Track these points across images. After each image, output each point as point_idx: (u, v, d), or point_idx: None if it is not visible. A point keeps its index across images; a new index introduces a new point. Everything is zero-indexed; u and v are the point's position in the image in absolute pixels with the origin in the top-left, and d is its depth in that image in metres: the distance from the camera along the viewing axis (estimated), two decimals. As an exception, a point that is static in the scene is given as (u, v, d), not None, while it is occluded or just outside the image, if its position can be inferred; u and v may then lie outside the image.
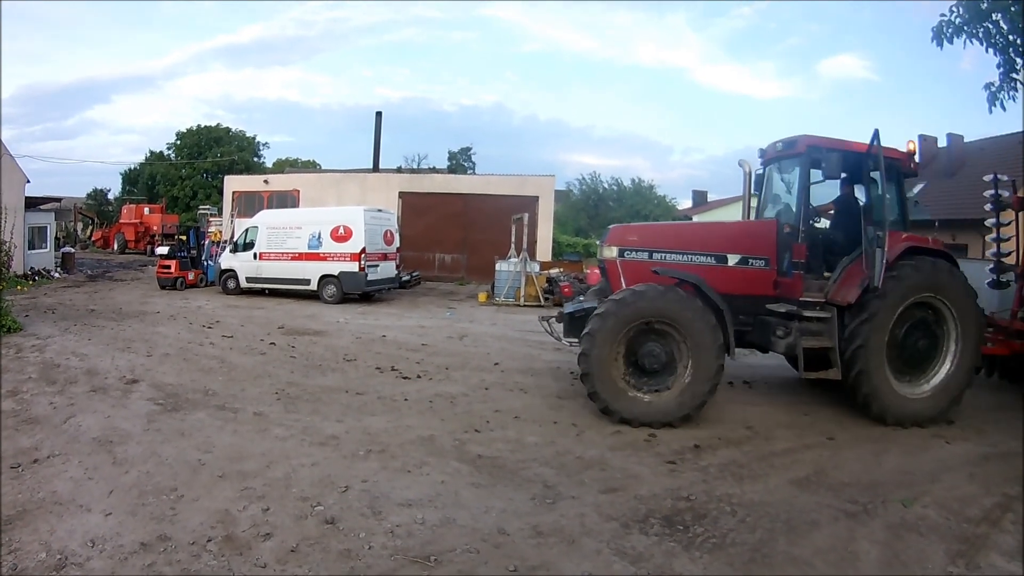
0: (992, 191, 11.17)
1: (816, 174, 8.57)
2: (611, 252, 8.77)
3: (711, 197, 54.36)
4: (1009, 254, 11.03)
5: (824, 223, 9.42)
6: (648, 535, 5.01)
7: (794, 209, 8.78)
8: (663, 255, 8.66)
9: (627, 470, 6.34)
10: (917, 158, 9.21)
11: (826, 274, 8.58)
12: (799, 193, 8.62)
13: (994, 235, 11.26)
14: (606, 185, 53.97)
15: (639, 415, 7.78)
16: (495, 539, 4.84)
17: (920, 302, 8.29)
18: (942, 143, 31.86)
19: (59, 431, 6.83)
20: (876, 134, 8.03)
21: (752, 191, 9.73)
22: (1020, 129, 15.23)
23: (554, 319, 9.33)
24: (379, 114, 34.40)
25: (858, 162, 8.46)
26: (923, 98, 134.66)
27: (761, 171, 9.77)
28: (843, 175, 8.71)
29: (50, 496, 5.27)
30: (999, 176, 11.20)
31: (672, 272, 8.32)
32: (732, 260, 8.70)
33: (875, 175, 8.40)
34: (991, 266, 11.25)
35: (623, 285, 8.38)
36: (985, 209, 11.38)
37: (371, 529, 4.89)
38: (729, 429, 7.71)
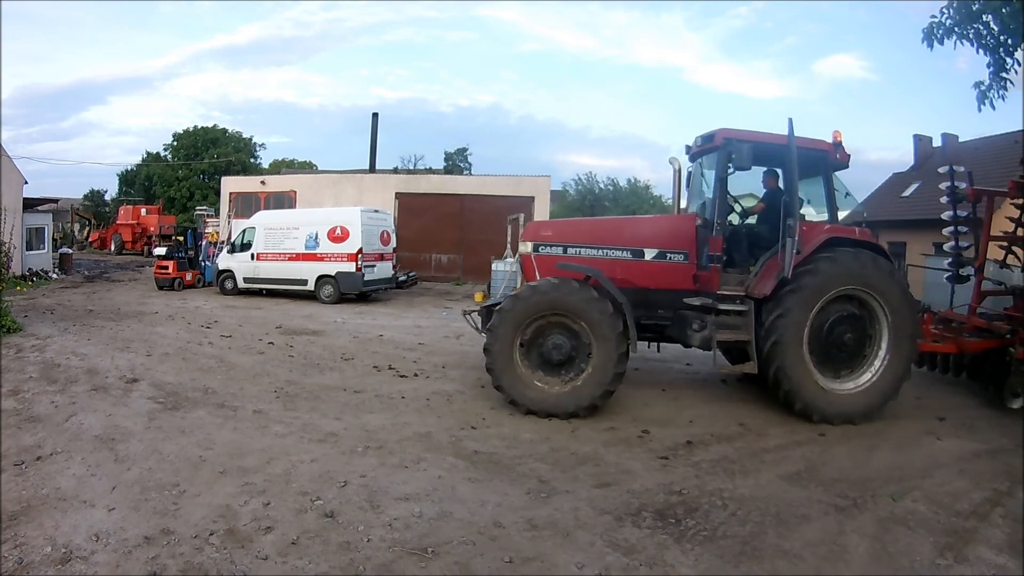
0: (948, 183, 11.11)
1: (750, 168, 8.51)
2: (526, 248, 9.00)
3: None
4: (968, 247, 10.95)
5: (754, 219, 9.35)
6: (641, 528, 5.11)
7: (700, 202, 8.89)
8: (577, 250, 8.77)
9: (620, 465, 6.45)
10: (847, 149, 8.89)
11: (752, 268, 8.55)
12: (714, 186, 8.58)
13: (951, 228, 11.18)
14: (602, 185, 53.99)
15: (546, 406, 7.94)
16: (491, 532, 4.94)
17: (847, 295, 8.19)
18: (937, 143, 32.00)
19: (61, 429, 6.91)
20: (790, 124, 7.95)
21: (683, 187, 9.73)
22: (1015, 129, 15.35)
23: (476, 312, 9.49)
24: (375, 115, 34.61)
25: (778, 154, 8.37)
26: (920, 98, 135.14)
27: (691, 167, 9.74)
28: (771, 168, 8.87)
29: (54, 492, 5.34)
30: (955, 167, 11.14)
31: (570, 265, 8.46)
32: (649, 254, 8.77)
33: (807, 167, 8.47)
34: (949, 260, 11.18)
35: (537, 279, 8.57)
36: (941, 201, 11.32)
37: (370, 522, 4.99)
38: (722, 426, 7.81)
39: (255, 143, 59.16)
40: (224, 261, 21.29)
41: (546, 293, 8.02)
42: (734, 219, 9.16)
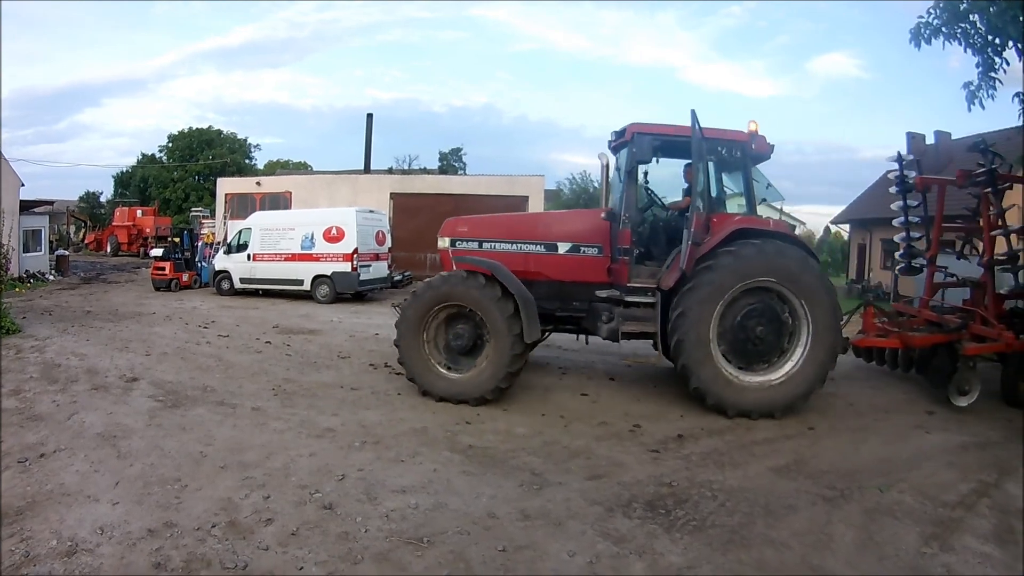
0: (896, 173, 10.90)
1: (651, 160, 8.75)
2: (444, 243, 9.33)
3: (702, 195, 54.42)
4: (920, 238, 10.82)
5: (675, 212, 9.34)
6: (631, 518, 5.24)
7: (617, 196, 8.94)
8: (492, 244, 9.10)
9: (612, 458, 6.58)
10: (764, 140, 8.89)
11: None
12: (624, 179, 8.76)
13: (901, 218, 11.01)
14: (596, 184, 54.02)
15: (454, 392, 8.27)
16: (485, 522, 5.07)
17: (762, 288, 8.16)
18: (930, 140, 32.12)
19: (63, 427, 7.01)
20: (693, 115, 7.87)
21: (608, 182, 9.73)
22: (1008, 126, 15.28)
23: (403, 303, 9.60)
24: (370, 116, 34.56)
25: (687, 146, 8.28)
26: (913, 96, 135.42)
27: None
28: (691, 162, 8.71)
29: (58, 488, 5.44)
30: (903, 155, 10.83)
31: (465, 259, 8.73)
32: (563, 248, 8.97)
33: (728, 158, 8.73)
34: (900, 251, 11.06)
35: None
36: (891, 192, 11.14)
37: (367, 513, 5.12)
38: (712, 420, 7.94)
39: (250, 144, 59.17)
40: (220, 262, 21.37)
41: (438, 287, 8.40)
42: (660, 212, 9.39)
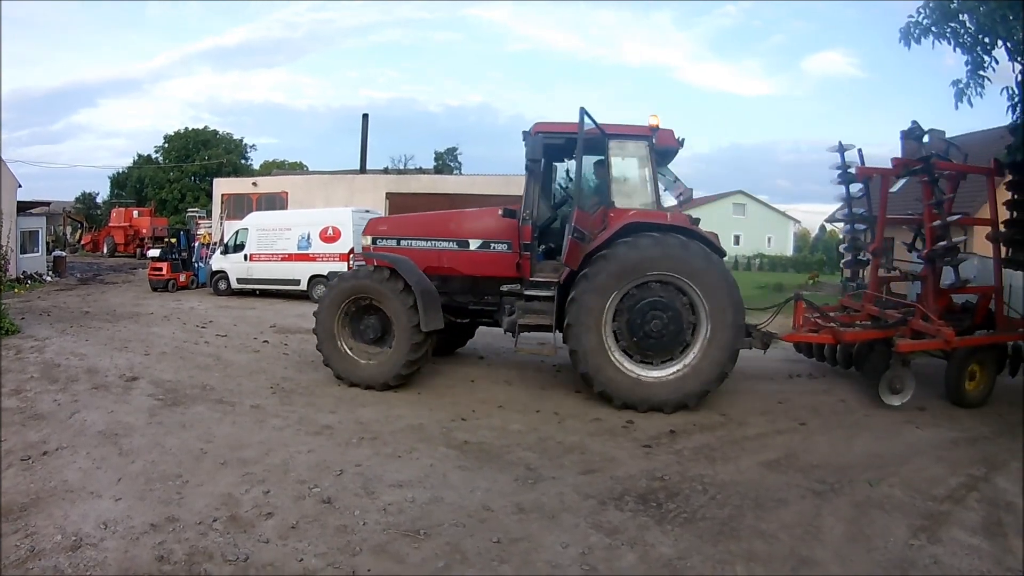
0: (839, 163, 10.64)
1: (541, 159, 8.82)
2: (366, 240, 9.86)
3: (697, 194, 54.52)
4: (865, 230, 10.70)
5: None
6: (623, 511, 5.35)
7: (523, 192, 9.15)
8: (409, 242, 9.57)
9: (605, 454, 6.70)
10: (670, 134, 9.02)
11: None
12: (526, 176, 8.98)
13: (844, 210, 10.89)
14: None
15: (364, 378, 8.83)
16: (480, 515, 5.18)
17: (663, 281, 8.17)
18: (925, 139, 32.15)
19: (65, 426, 7.09)
20: (581, 112, 8.02)
21: None
22: (1002, 124, 15.25)
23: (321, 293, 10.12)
24: (366, 116, 34.62)
25: (594, 143, 8.58)
26: (908, 94, 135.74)
27: None
28: (601, 160, 8.96)
29: (61, 484, 5.52)
30: (843, 144, 10.56)
31: (371, 254, 9.32)
32: (474, 245, 9.36)
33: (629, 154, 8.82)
34: (844, 244, 10.94)
35: None
36: (832, 182, 10.82)
37: (365, 507, 5.23)
38: (704, 416, 8.04)
39: (246, 144, 59.16)
40: (217, 262, 21.39)
41: (348, 281, 9.06)
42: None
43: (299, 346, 11.96)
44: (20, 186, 23.04)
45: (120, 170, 58.00)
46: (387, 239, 9.68)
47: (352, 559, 4.47)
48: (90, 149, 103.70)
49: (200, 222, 31.19)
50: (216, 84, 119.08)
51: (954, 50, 10.02)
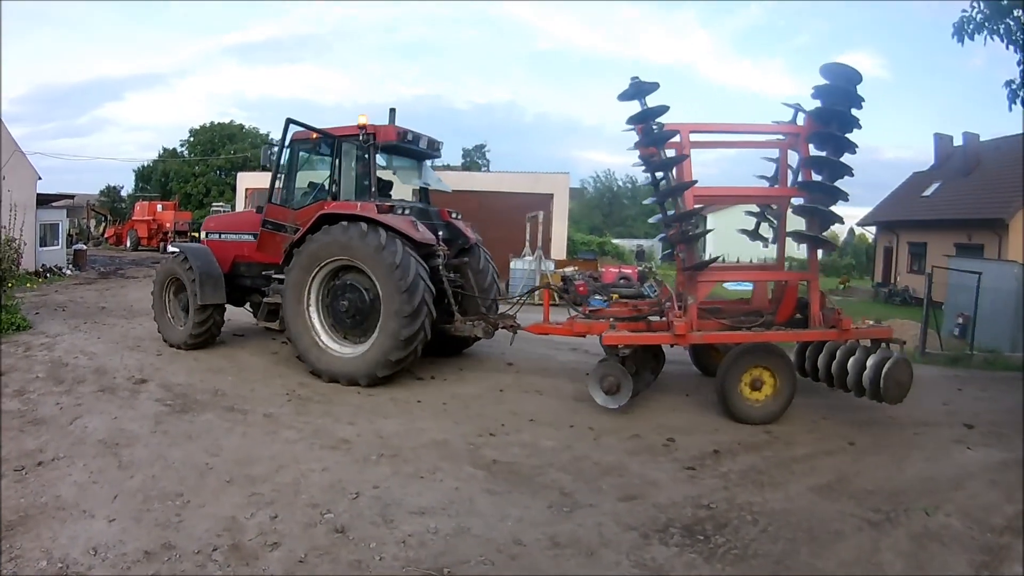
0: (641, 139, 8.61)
1: (304, 157, 10.48)
2: (203, 235, 11.79)
3: (723, 194, 53.96)
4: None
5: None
6: (668, 546, 4.85)
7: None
8: (227, 236, 11.21)
9: (645, 476, 6.17)
10: (391, 130, 10.07)
11: None
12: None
13: (654, 198, 9.19)
14: (620, 183, 53.67)
15: (171, 339, 10.89)
16: (511, 550, 4.67)
17: (354, 266, 9.03)
18: (958, 141, 31.46)
19: (65, 432, 6.71)
20: (286, 123, 9.60)
21: None
22: None
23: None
24: (393, 110, 33.86)
25: (313, 145, 10.32)
26: (937, 96, 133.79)
27: None
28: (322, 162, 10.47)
29: (53, 501, 5.15)
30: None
31: (179, 244, 11.06)
32: (252, 236, 10.73)
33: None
34: (661, 235, 9.89)
35: None
36: (632, 165, 10.15)
37: (382, 539, 4.73)
38: (748, 433, 7.51)
39: (271, 139, 59.19)
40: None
41: (166, 264, 11.26)
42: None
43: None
44: (40, 178, 22.88)
45: (145, 163, 58.30)
46: (212, 233, 11.48)
47: (366, 603, 3.97)
48: (116, 143, 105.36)
49: (223, 217, 30.91)
50: (242, 78, 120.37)
51: (1006, 48, 9.65)
